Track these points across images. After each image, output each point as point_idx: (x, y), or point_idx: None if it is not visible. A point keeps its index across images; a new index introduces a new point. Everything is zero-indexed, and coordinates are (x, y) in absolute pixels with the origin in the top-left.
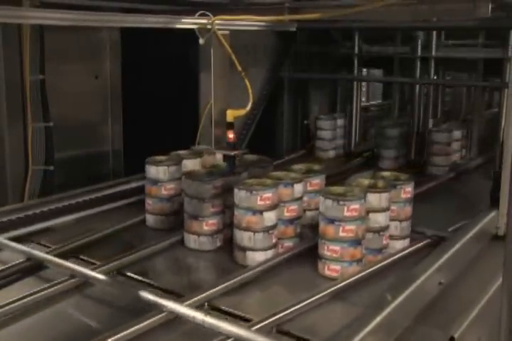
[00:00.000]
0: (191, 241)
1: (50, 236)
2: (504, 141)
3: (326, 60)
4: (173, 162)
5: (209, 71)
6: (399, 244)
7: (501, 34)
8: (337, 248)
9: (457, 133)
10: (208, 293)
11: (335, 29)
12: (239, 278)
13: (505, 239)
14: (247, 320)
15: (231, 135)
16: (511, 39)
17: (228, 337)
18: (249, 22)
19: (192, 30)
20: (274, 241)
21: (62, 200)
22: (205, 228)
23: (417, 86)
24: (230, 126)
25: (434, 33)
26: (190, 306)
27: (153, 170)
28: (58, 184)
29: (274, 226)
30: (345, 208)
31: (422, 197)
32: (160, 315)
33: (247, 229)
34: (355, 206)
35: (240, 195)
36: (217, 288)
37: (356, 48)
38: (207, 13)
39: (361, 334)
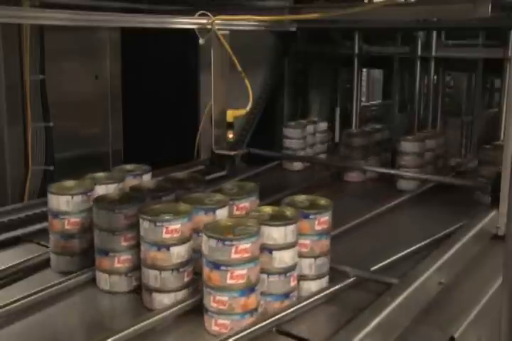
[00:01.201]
0: (102, 281)
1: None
2: (504, 141)
3: (326, 59)
4: (81, 190)
5: (209, 71)
6: (314, 285)
7: (501, 34)
8: (225, 298)
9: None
10: None
11: (335, 29)
12: (128, 331)
13: (505, 239)
14: None
15: (231, 135)
16: (511, 39)
17: (229, 337)
18: (249, 22)
19: (192, 30)
20: (186, 280)
21: None
22: (117, 265)
23: (417, 86)
24: (230, 126)
25: (434, 33)
26: None
27: (53, 201)
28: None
29: (185, 263)
30: (233, 249)
31: (363, 226)
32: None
33: (152, 266)
34: (245, 246)
35: (143, 225)
36: None
37: (356, 48)
38: (207, 13)
39: (361, 335)
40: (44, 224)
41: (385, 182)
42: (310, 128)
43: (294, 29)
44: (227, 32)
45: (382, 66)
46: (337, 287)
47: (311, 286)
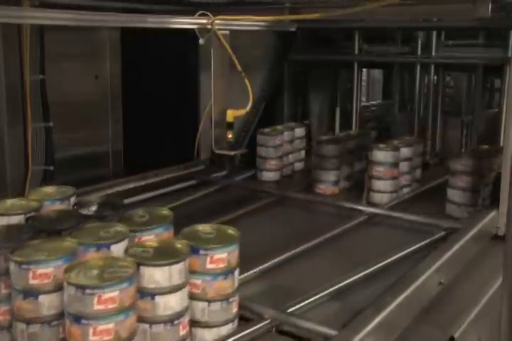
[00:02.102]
0: None
1: None
2: (504, 141)
3: (325, 59)
4: None
5: (209, 71)
6: (209, 334)
7: (501, 34)
8: None
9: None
10: None
11: (335, 29)
12: None
13: (505, 239)
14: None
15: (231, 135)
16: (511, 39)
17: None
18: (249, 22)
19: (192, 30)
20: (61, 336)
21: None
22: None
23: (417, 86)
24: (230, 126)
25: (434, 33)
26: None
27: None
28: (58, 184)
29: (59, 316)
30: (95, 299)
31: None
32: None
33: (19, 318)
34: (112, 294)
35: (11, 268)
36: None
37: (356, 48)
38: (207, 13)
39: (361, 334)
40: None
41: (359, 193)
42: (287, 134)
43: (294, 29)
44: (227, 32)
45: (382, 66)
46: (244, 333)
47: (205, 335)
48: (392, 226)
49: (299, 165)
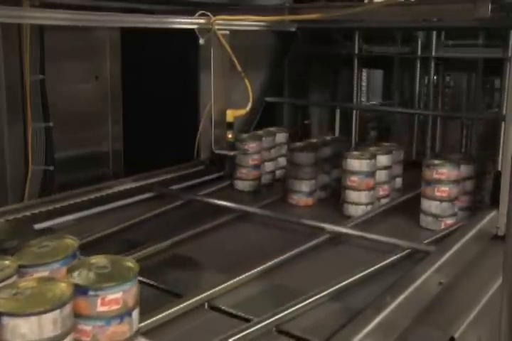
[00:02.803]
0: None
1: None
2: (504, 141)
3: (326, 60)
4: None
5: (209, 71)
6: None
7: (501, 34)
8: None
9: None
10: None
11: (335, 29)
12: None
13: (505, 239)
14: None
15: (231, 135)
16: (511, 39)
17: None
18: (249, 22)
19: (192, 30)
20: None
21: (62, 200)
22: None
23: (417, 86)
24: (230, 126)
25: (434, 33)
26: None
27: None
28: (58, 184)
29: None
30: None
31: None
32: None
33: None
34: None
35: None
36: None
37: (356, 48)
38: (207, 13)
39: (361, 334)
40: (44, 224)
41: (335, 205)
42: (267, 141)
43: (294, 29)
44: (227, 32)
45: (382, 66)
46: (244, 333)
47: None
48: (354, 245)
49: (280, 174)
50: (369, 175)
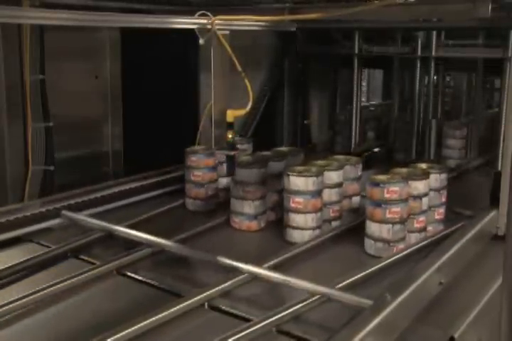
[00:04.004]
0: None
1: (50, 236)
2: (504, 141)
3: (326, 60)
4: None
5: (209, 71)
6: None
7: (501, 34)
8: None
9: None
10: None
11: (335, 29)
12: None
13: (505, 239)
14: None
15: (231, 135)
16: (511, 39)
17: (229, 337)
18: (249, 22)
19: (192, 30)
20: None
21: (62, 200)
22: None
23: (417, 86)
24: (230, 126)
25: (434, 33)
26: None
27: None
28: (58, 184)
29: None
30: None
31: None
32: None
33: None
34: None
35: None
36: None
37: (356, 48)
38: (207, 13)
39: (361, 334)
40: (44, 224)
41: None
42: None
43: (294, 29)
44: (227, 32)
45: (382, 66)
46: (244, 333)
47: None
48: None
49: None
50: (316, 195)
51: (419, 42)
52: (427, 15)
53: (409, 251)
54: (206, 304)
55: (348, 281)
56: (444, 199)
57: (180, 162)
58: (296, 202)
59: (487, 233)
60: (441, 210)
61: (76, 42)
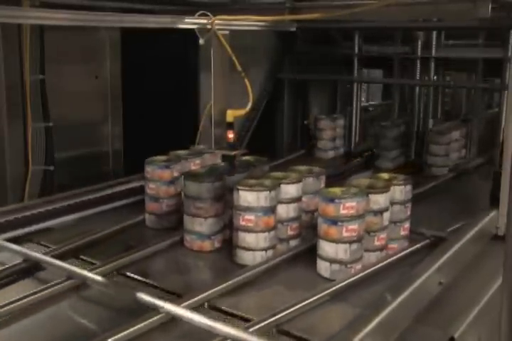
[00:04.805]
0: None
1: (50, 236)
2: (504, 141)
3: (326, 60)
4: None
5: (209, 71)
6: None
7: (501, 34)
8: None
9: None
10: None
11: (335, 29)
12: None
13: (505, 239)
14: (247, 320)
15: (231, 135)
16: (511, 39)
17: (226, 338)
18: (249, 22)
19: (192, 30)
20: None
21: (62, 200)
22: None
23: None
24: (230, 126)
25: (434, 33)
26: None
27: None
28: (58, 184)
29: None
30: None
31: None
32: (158, 316)
33: None
34: None
35: None
36: None
37: (356, 48)
38: (207, 13)
39: (361, 334)
40: (44, 224)
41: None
42: (186, 164)
43: (294, 29)
44: (227, 32)
45: (382, 66)
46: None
47: None
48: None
49: None
50: (268, 212)
51: (419, 42)
52: (427, 15)
53: (369, 271)
54: (206, 304)
55: (286, 316)
56: (409, 213)
57: None
58: (246, 219)
59: (487, 233)
60: (407, 225)
61: (76, 42)
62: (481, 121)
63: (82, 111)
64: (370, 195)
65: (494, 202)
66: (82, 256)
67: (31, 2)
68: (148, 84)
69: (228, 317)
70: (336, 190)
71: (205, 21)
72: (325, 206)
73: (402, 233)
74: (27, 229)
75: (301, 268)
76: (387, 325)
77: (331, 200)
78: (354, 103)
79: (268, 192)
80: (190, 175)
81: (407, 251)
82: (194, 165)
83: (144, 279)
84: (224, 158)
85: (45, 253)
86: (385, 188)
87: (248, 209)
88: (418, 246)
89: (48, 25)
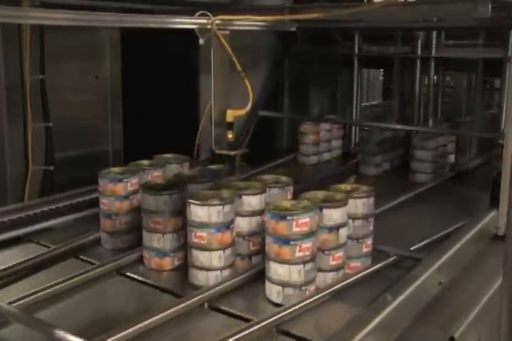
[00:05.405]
0: None
1: (50, 236)
2: (504, 141)
3: (326, 60)
4: None
5: (209, 71)
6: None
7: (501, 34)
8: None
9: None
10: None
11: (335, 29)
12: None
13: (505, 239)
14: (247, 320)
15: (231, 135)
16: (511, 39)
17: (226, 338)
18: (249, 22)
19: (192, 30)
20: None
21: (62, 200)
22: None
23: (417, 86)
24: (230, 126)
25: (434, 32)
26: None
27: None
28: (58, 184)
29: None
30: None
31: None
32: (158, 316)
33: None
34: None
35: None
36: None
37: (356, 48)
38: (207, 13)
39: (361, 334)
40: (44, 224)
41: None
42: (145, 176)
43: (294, 29)
44: (227, 32)
45: (382, 66)
46: (244, 333)
47: None
48: None
49: None
50: (222, 229)
51: (419, 42)
52: (427, 15)
53: (325, 293)
54: (206, 304)
55: None
56: (371, 228)
57: None
58: (198, 236)
59: (487, 233)
60: (369, 242)
61: (76, 42)
62: (481, 121)
63: (82, 111)
64: (324, 210)
65: (494, 202)
66: (82, 256)
67: (31, 2)
68: (148, 84)
69: (228, 317)
70: (287, 205)
71: (205, 21)
72: (275, 224)
73: (365, 250)
74: (27, 229)
75: (259, 288)
76: (387, 325)
77: (283, 217)
78: (354, 103)
79: (221, 207)
80: (147, 187)
81: (368, 270)
82: (152, 177)
83: (144, 279)
84: (224, 158)
85: (46, 253)
86: (341, 202)
87: (200, 225)
88: (381, 264)
89: (48, 25)
